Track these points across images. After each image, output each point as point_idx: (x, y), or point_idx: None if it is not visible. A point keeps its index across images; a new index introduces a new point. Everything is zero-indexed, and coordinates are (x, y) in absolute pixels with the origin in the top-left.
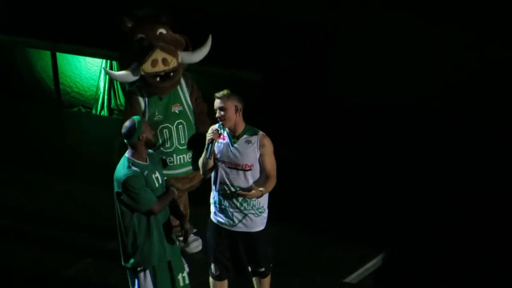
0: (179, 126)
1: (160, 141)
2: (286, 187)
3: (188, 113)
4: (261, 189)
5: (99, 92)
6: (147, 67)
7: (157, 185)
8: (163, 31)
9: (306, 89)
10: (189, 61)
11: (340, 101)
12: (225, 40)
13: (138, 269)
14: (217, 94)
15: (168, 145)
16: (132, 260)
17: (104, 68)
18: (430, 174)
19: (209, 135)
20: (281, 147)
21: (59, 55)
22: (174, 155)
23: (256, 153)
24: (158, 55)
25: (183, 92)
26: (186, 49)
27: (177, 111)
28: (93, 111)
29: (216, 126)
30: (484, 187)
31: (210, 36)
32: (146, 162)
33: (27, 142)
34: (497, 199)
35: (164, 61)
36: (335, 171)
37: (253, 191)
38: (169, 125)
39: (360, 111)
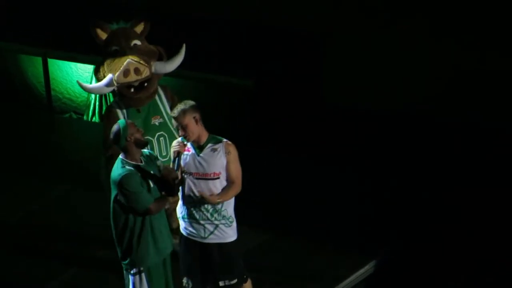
0: (160, 138)
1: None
2: (277, 194)
3: (169, 124)
4: (218, 195)
5: (91, 98)
6: (119, 77)
7: (152, 185)
8: (138, 42)
9: (298, 94)
10: (163, 70)
11: (333, 106)
12: (217, 46)
13: (133, 271)
14: (172, 114)
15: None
16: (128, 260)
17: (77, 81)
18: (423, 181)
19: (174, 148)
20: (273, 153)
21: (51, 61)
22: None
23: (223, 160)
24: (130, 65)
25: (163, 104)
26: (160, 59)
27: (157, 123)
28: (85, 118)
29: (179, 138)
30: (476, 194)
31: (184, 45)
32: (141, 162)
33: (18, 148)
34: (493, 202)
35: (136, 70)
36: (327, 177)
37: (212, 196)
38: (149, 138)
39: (353, 116)
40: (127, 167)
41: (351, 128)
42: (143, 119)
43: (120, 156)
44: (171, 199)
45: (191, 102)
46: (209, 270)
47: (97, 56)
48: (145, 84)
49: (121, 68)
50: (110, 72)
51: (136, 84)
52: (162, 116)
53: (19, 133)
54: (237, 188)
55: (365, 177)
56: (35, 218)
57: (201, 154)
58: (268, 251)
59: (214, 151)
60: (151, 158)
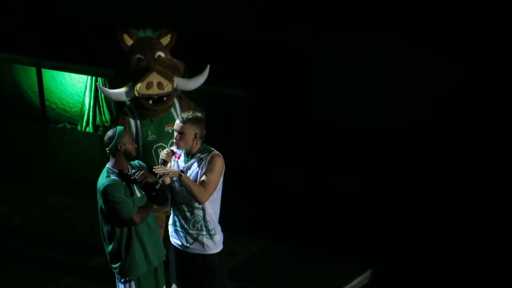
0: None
1: (156, 162)
2: (269, 204)
3: None
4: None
5: (84, 108)
6: (141, 88)
7: (139, 195)
8: (162, 54)
9: (290, 106)
10: (184, 88)
11: (324, 118)
12: (211, 59)
13: (122, 279)
14: (181, 116)
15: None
16: (117, 270)
17: (97, 84)
18: (417, 192)
19: (162, 156)
20: (266, 164)
21: (45, 71)
22: None
23: (203, 169)
24: (154, 78)
25: (177, 112)
26: (183, 76)
27: (170, 131)
28: (78, 128)
29: (172, 148)
30: (472, 204)
31: (208, 65)
32: (127, 172)
33: (12, 158)
34: (489, 212)
35: (159, 84)
36: (319, 188)
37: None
38: (163, 145)
39: (345, 128)
40: (112, 176)
41: (343, 140)
42: (156, 127)
43: (107, 165)
44: (162, 207)
45: (202, 117)
46: (194, 279)
47: (90, 66)
48: (164, 98)
49: (145, 80)
50: (132, 81)
51: (155, 97)
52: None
53: (13, 143)
54: (202, 193)
55: (357, 187)
56: (28, 227)
57: (187, 163)
58: (261, 261)
59: (200, 161)
60: (141, 168)
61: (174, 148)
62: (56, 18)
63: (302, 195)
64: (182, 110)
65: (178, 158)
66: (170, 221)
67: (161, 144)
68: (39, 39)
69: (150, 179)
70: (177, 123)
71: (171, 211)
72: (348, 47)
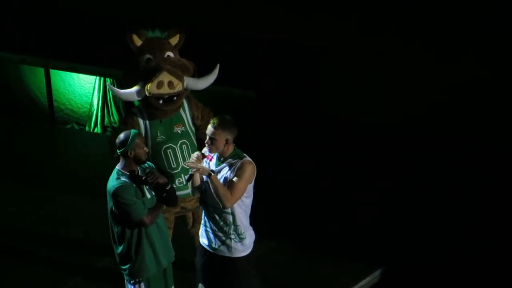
0: (183, 146)
1: (166, 163)
2: (278, 205)
3: (190, 133)
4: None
5: (93, 109)
6: (152, 88)
7: (149, 196)
8: (171, 54)
9: (297, 105)
10: (194, 87)
11: (333, 119)
12: (219, 59)
13: (132, 281)
14: (213, 121)
15: (174, 165)
16: (127, 271)
17: (108, 85)
18: (416, 193)
19: (193, 159)
20: (273, 164)
21: (53, 72)
22: (182, 174)
23: (231, 175)
24: (165, 77)
25: (186, 113)
26: (192, 75)
27: (179, 131)
28: (87, 128)
29: (204, 150)
30: (479, 205)
31: (218, 65)
32: (137, 173)
33: (21, 158)
34: (496, 214)
35: (170, 84)
36: (328, 189)
37: (196, 163)
38: (172, 145)
39: (352, 129)
40: (122, 178)
41: (350, 139)
42: (165, 128)
43: (117, 167)
44: (171, 209)
45: (234, 122)
46: (220, 281)
47: (99, 67)
48: (175, 98)
49: (156, 79)
50: (143, 81)
51: (166, 97)
52: (184, 125)
53: (22, 143)
54: (228, 197)
55: (366, 187)
56: (37, 227)
57: (218, 166)
58: (270, 261)
59: (230, 166)
60: (151, 169)
61: (205, 150)
62: (64, 19)
63: (311, 195)
64: (191, 111)
65: (210, 160)
66: (202, 221)
67: (170, 144)
68: (48, 39)
69: (161, 180)
70: (209, 128)
71: (202, 212)
72: (348, 47)
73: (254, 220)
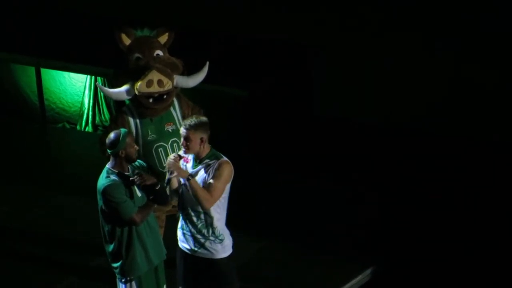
0: (174, 144)
1: (157, 161)
2: (271, 205)
3: None
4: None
5: (84, 108)
6: (142, 87)
7: (139, 194)
8: (160, 52)
9: (290, 105)
10: (184, 85)
11: (325, 118)
12: (212, 59)
13: (123, 279)
14: (185, 122)
15: (165, 164)
16: (118, 269)
17: (97, 84)
18: (415, 193)
19: (170, 160)
20: (266, 164)
21: (44, 71)
22: None
23: (210, 176)
24: (154, 76)
25: (176, 111)
26: (182, 74)
27: (170, 130)
28: (78, 127)
29: (179, 152)
30: (474, 206)
31: (207, 63)
32: (128, 172)
33: (12, 157)
34: (492, 215)
35: (160, 82)
36: (320, 188)
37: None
38: (163, 144)
39: (345, 128)
40: (112, 177)
41: (343, 140)
42: (156, 126)
43: (107, 166)
44: (163, 207)
45: (206, 121)
46: (203, 284)
47: (90, 66)
48: (165, 97)
49: (145, 78)
50: (132, 80)
51: (156, 95)
52: (175, 123)
53: (12, 142)
54: (207, 199)
55: (358, 188)
56: (29, 228)
57: (195, 168)
58: (262, 261)
59: (207, 167)
60: (142, 169)
61: (181, 152)
62: (56, 17)
63: (304, 196)
64: (182, 109)
65: (187, 162)
66: (179, 225)
67: (161, 143)
68: (38, 38)
69: (149, 182)
70: (182, 130)
71: (180, 215)
72: (348, 47)
73: (244, 219)
